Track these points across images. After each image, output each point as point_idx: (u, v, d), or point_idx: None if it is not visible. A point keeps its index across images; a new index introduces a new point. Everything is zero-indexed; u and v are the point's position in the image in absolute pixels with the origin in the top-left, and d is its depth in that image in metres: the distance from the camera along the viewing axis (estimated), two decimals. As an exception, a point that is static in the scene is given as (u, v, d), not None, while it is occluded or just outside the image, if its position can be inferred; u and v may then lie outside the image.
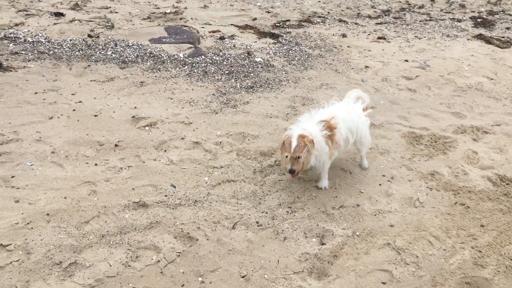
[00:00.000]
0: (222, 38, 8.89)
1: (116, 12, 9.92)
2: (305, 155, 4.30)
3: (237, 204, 4.61)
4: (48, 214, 4.19)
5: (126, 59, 7.53)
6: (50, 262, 3.73)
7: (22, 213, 4.16)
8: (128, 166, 4.97)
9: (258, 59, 7.94)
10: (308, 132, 4.40)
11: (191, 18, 10.14)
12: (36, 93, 6.24)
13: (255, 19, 10.71)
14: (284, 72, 7.72)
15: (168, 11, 10.44)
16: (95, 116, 5.81)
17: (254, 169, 5.11)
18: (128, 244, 3.99)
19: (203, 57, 7.84)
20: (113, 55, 7.63)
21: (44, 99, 6.08)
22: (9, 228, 3.98)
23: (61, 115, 5.77)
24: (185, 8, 10.82)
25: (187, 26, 9.21)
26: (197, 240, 4.13)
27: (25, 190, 4.45)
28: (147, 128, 5.68)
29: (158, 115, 5.98)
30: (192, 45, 8.09)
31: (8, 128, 5.38)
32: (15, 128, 5.38)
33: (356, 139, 4.86)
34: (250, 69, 7.61)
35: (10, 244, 3.82)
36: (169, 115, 6.01)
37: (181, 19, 10.10)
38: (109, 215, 4.31)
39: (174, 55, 7.89)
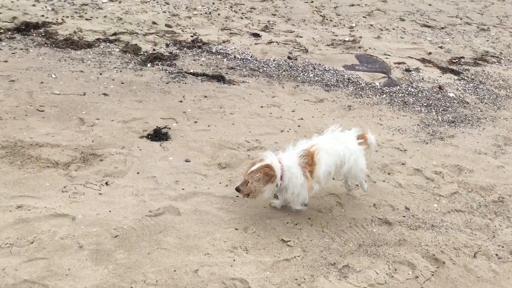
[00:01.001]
0: (408, 70, 9.14)
1: (300, 37, 10.59)
2: (255, 184, 4.10)
3: (472, 234, 4.78)
4: (309, 218, 4.68)
5: (328, 83, 8.05)
6: (325, 262, 4.17)
7: (288, 214, 4.69)
8: (363, 184, 5.36)
9: (451, 94, 8.08)
10: (281, 162, 4.20)
11: (369, 48, 10.51)
12: (262, 106, 6.92)
13: (430, 53, 10.82)
14: (479, 110, 7.77)
15: (346, 39, 10.90)
16: (318, 133, 6.31)
17: (479, 203, 5.26)
18: (384, 256, 4.34)
19: (398, 87, 8.14)
20: (315, 78, 8.19)
21: (270, 113, 6.72)
22: (283, 226, 4.52)
23: (289, 129, 6.35)
24: (360, 37, 11.22)
25: (373, 55, 9.58)
26: (443, 263, 4.36)
27: (283, 194, 4.99)
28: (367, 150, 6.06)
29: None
30: (385, 75, 8.43)
31: (250, 136, 6.04)
32: (256, 136, 6.03)
33: (346, 170, 4.53)
34: (447, 104, 7.77)
35: (290, 240, 4.34)
36: (383, 140, 6.35)
37: (359, 47, 10.51)
38: (359, 227, 4.70)
39: (370, 83, 8.28)
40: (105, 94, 6.56)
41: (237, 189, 4.23)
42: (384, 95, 7.87)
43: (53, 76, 6.87)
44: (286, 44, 9.72)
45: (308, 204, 4.71)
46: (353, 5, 14.43)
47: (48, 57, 7.51)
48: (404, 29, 12.64)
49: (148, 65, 7.77)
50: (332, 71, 8.56)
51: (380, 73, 8.49)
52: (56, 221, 4.13)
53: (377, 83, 8.24)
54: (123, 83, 7.00)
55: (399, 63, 9.37)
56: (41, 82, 6.62)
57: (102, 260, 3.81)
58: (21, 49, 7.64)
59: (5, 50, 7.51)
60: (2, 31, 8.22)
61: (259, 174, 4.07)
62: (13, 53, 7.44)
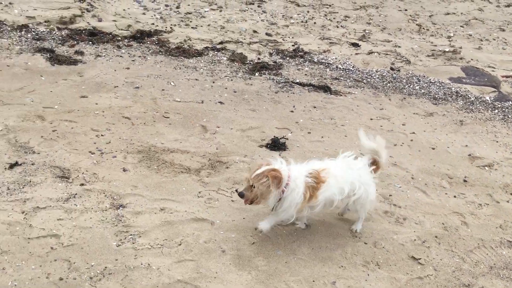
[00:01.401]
0: (517, 84, 8.76)
1: (399, 47, 10.43)
2: (262, 188, 3.82)
3: None
4: (436, 237, 4.64)
5: (435, 96, 7.91)
6: (459, 283, 4.14)
7: (414, 231, 4.68)
8: (485, 204, 5.23)
9: None
10: (289, 172, 3.94)
11: (471, 59, 10.17)
12: (371, 119, 6.91)
13: (537, 66, 10.29)
14: None
15: (446, 49, 10.62)
16: (433, 149, 6.23)
17: None
18: (519, 281, 4.21)
19: (510, 102, 7.84)
20: (422, 90, 8.07)
21: (381, 126, 6.71)
22: (410, 243, 4.51)
23: (402, 143, 6.31)
24: (460, 47, 10.88)
25: (478, 68, 9.27)
26: None
27: (405, 210, 4.98)
28: (486, 168, 5.91)
29: (491, 156, 6.17)
30: (495, 89, 8.15)
31: (364, 148, 6.07)
32: (370, 149, 6.05)
33: (354, 200, 4.20)
34: None
35: (420, 258, 4.33)
36: (502, 158, 6.16)
37: (460, 58, 10.19)
38: (488, 248, 4.60)
39: (480, 97, 8.03)
40: (221, 103, 6.83)
41: (241, 195, 3.92)
42: (496, 111, 7.61)
43: (172, 83, 7.25)
44: (386, 54, 9.63)
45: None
46: (448, 13, 14.02)
47: (164, 64, 7.93)
48: (505, 39, 12.11)
49: (256, 74, 8.00)
50: (438, 84, 8.40)
51: (489, 87, 8.22)
52: (197, 225, 4.39)
53: (487, 98, 7.99)
54: (235, 92, 7.26)
55: (507, 77, 9.02)
56: (162, 90, 7.01)
57: (244, 265, 4.01)
58: (139, 56, 8.12)
59: (125, 57, 8.02)
60: (119, 38, 8.77)
61: (266, 178, 3.81)
62: (133, 61, 7.93)
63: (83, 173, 4.88)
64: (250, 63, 8.45)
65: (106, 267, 3.82)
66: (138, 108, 6.37)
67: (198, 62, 8.24)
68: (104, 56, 7.92)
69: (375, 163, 4.32)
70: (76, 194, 4.56)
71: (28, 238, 3.99)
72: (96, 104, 6.33)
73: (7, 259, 3.78)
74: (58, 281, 3.65)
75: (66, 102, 6.27)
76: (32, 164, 4.91)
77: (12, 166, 4.83)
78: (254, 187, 3.82)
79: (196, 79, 7.54)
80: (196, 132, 6.00)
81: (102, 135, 5.63)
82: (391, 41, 10.85)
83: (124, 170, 5.06)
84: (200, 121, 6.27)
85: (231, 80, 7.69)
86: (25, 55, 7.48)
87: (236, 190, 3.95)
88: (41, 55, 7.56)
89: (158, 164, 5.21)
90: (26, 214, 4.25)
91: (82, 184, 4.71)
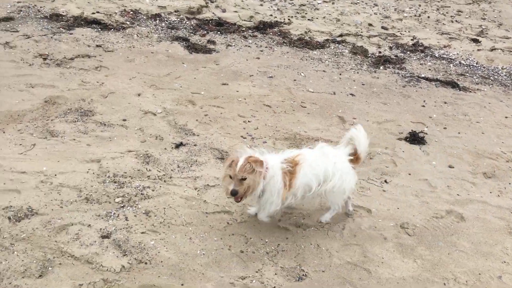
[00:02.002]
0: None
1: (520, 43, 9.97)
2: (252, 177, 3.71)
3: None
4: None
5: None
6: None
7: None
8: None
9: None
10: (265, 159, 3.80)
11: None
12: (506, 117, 6.74)
13: None
14: None
15: None
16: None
17: None
18: None
19: None
20: (556, 90, 7.71)
21: (518, 125, 6.52)
22: None
23: (544, 144, 6.10)
24: None
25: None
26: None
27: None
28: None
29: None
30: None
31: (505, 147, 5.95)
32: (511, 148, 5.92)
33: (327, 189, 3.99)
34: None
35: None
36: None
37: None
38: None
39: None
40: (352, 95, 6.94)
41: (234, 193, 3.76)
42: None
43: (302, 74, 7.46)
44: (511, 51, 9.26)
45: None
46: None
47: (291, 55, 8.15)
48: None
49: (381, 67, 8.01)
50: None
51: None
52: (356, 211, 4.55)
53: None
54: (363, 85, 7.33)
55: None
56: (294, 80, 7.23)
57: (407, 253, 4.13)
58: (266, 47, 8.40)
59: (253, 48, 8.32)
60: (244, 29, 9.10)
61: (250, 165, 3.70)
62: (261, 51, 8.21)
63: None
64: (372, 56, 8.47)
65: (279, 244, 4.09)
66: (275, 97, 6.63)
67: (322, 54, 8.38)
68: (234, 46, 8.27)
69: (355, 154, 4.19)
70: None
71: (206, 213, 4.35)
72: (237, 91, 6.66)
73: (192, 230, 4.15)
74: (240, 253, 3.96)
75: (210, 89, 6.65)
76: (195, 145, 5.30)
77: (177, 146, 5.24)
78: (243, 179, 3.73)
79: (324, 71, 7.69)
80: (335, 122, 6.16)
81: (249, 121, 5.93)
82: (510, 37, 10.40)
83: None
84: (336, 112, 6.42)
85: (357, 72, 7.77)
86: (164, 43, 7.97)
87: (232, 192, 3.76)
88: (178, 43, 8.02)
89: (306, 151, 5.41)
90: (199, 190, 4.62)
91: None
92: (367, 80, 7.48)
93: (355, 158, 4.18)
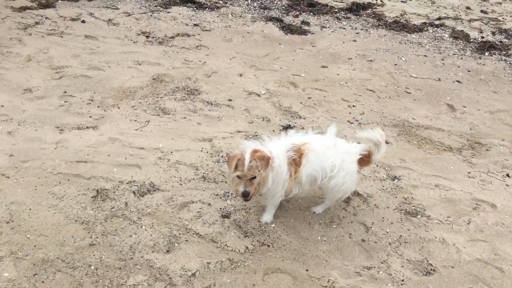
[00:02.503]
0: None
1: None
2: (262, 174, 3.39)
3: None
4: None
5: None
6: None
7: None
8: None
9: None
10: (267, 149, 3.47)
11: None
12: None
13: None
14: None
15: None
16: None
17: None
18: None
19: None
20: None
21: None
22: None
23: None
24: None
25: None
26: None
27: None
28: None
29: None
30: None
31: None
32: None
33: (329, 184, 3.65)
34: None
35: None
36: None
37: None
38: None
39: None
40: (458, 82, 6.57)
41: (245, 194, 3.46)
42: None
43: (403, 59, 7.14)
44: None
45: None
46: None
47: (389, 39, 7.83)
48: None
49: (486, 53, 7.53)
50: None
51: None
52: (479, 205, 4.28)
53: None
54: (469, 71, 6.92)
55: None
56: (395, 64, 6.93)
57: (542, 254, 3.83)
58: (361, 29, 8.10)
59: (348, 30, 8.05)
60: (336, 10, 8.83)
61: (258, 162, 3.39)
62: (357, 33, 7.94)
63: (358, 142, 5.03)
64: (475, 42, 7.98)
65: (401, 236, 3.92)
66: (378, 82, 6.38)
67: (420, 37, 7.99)
68: (328, 27, 8.04)
69: (367, 156, 3.77)
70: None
71: (322, 198, 4.23)
72: (338, 75, 6.46)
73: (309, 215, 4.06)
74: (361, 242, 3.83)
75: (310, 71, 6.49)
76: (302, 128, 5.18)
77: (285, 128, 5.14)
78: (254, 178, 3.43)
79: (425, 55, 7.33)
80: (443, 110, 5.85)
81: (353, 105, 5.74)
82: None
83: (386, 142, 5.10)
84: (443, 99, 6.10)
85: (461, 58, 7.35)
86: (258, 23, 7.87)
87: (243, 194, 3.46)
88: (273, 24, 7.90)
89: (418, 140, 5.19)
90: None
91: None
92: (472, 67, 7.06)
93: (365, 160, 3.80)
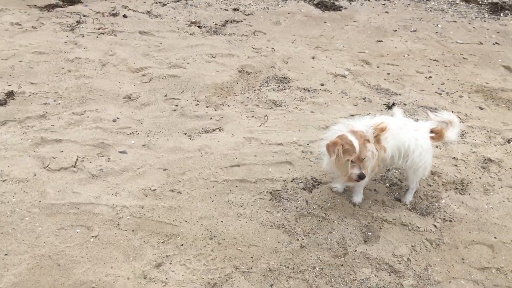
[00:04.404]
0: None
1: None
2: (371, 156, 3.45)
3: None
4: None
5: None
6: None
7: None
8: None
9: None
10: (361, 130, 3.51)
11: None
12: None
13: None
14: None
15: None
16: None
17: None
18: None
19: None
20: None
21: None
22: None
23: None
24: None
25: None
26: None
27: None
28: None
29: None
30: None
31: None
32: None
33: (406, 164, 3.76)
34: None
35: None
36: None
37: None
38: None
39: None
40: (497, 43, 7.01)
41: (362, 176, 3.46)
42: None
43: (439, 26, 7.46)
44: None
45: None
46: None
47: (414, 8, 8.11)
48: None
49: (501, 14, 8.04)
50: None
51: None
52: None
53: None
54: (498, 33, 7.40)
55: None
56: (436, 32, 7.24)
57: None
58: (385, 0, 8.29)
59: (373, 2, 8.21)
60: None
61: (368, 144, 3.44)
62: (384, 5, 8.12)
63: (452, 111, 5.26)
64: (484, 3, 8.46)
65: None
66: (434, 51, 6.66)
67: (438, 4, 8.33)
68: (355, 1, 8.13)
69: (439, 133, 3.83)
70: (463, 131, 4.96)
71: (465, 169, 4.47)
72: (396, 48, 6.65)
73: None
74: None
75: (370, 47, 6.62)
76: (405, 105, 5.36)
77: (390, 107, 5.29)
78: (363, 159, 3.43)
79: (454, 21, 7.70)
80: (504, 72, 6.26)
81: (430, 77, 5.99)
82: None
83: (480, 108, 5.43)
84: (496, 61, 6.51)
85: (484, 21, 7.79)
86: (290, 2, 7.80)
87: (360, 176, 3.45)
88: (304, 2, 7.86)
89: (504, 103, 5.54)
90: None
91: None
92: (499, 28, 7.53)
93: (436, 135, 3.82)
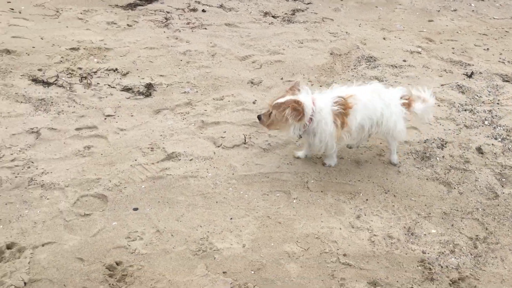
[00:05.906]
0: None
1: None
2: (277, 116, 3.68)
3: None
4: None
5: None
6: None
7: None
8: None
9: None
10: (315, 102, 3.73)
11: None
12: None
13: None
14: None
15: None
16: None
17: None
18: None
19: None
20: None
21: None
22: None
23: None
24: None
25: None
26: None
27: None
28: None
29: None
30: None
31: None
32: None
33: (382, 130, 3.96)
34: None
35: None
36: None
37: None
38: None
39: None
40: (527, 17, 7.73)
41: (258, 118, 3.84)
42: None
43: (472, 4, 8.09)
44: None
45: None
46: None
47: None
48: None
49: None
50: None
51: None
52: None
53: None
54: (523, 8, 8.12)
55: None
56: (472, 10, 7.88)
57: None
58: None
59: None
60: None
61: (284, 108, 3.63)
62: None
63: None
64: (499, -17, 9.17)
65: None
66: (479, 27, 7.29)
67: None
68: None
69: (408, 101, 4.01)
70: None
71: None
72: (447, 26, 7.25)
73: None
74: None
75: (425, 26, 7.19)
76: (480, 73, 5.95)
77: (469, 76, 5.87)
78: (271, 113, 3.71)
79: (483, 0, 8.35)
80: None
81: (487, 49, 6.61)
82: None
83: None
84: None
85: (507, -2, 8.50)
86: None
87: (257, 116, 3.90)
88: (349, -11, 8.32)
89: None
90: None
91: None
92: (520, 4, 8.25)
93: (407, 103, 3.99)
